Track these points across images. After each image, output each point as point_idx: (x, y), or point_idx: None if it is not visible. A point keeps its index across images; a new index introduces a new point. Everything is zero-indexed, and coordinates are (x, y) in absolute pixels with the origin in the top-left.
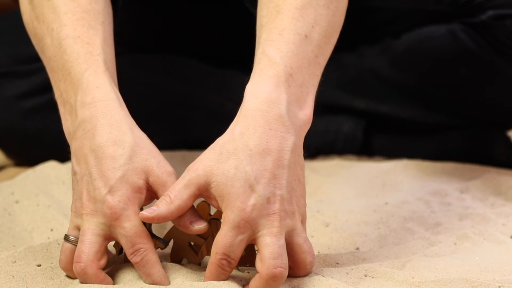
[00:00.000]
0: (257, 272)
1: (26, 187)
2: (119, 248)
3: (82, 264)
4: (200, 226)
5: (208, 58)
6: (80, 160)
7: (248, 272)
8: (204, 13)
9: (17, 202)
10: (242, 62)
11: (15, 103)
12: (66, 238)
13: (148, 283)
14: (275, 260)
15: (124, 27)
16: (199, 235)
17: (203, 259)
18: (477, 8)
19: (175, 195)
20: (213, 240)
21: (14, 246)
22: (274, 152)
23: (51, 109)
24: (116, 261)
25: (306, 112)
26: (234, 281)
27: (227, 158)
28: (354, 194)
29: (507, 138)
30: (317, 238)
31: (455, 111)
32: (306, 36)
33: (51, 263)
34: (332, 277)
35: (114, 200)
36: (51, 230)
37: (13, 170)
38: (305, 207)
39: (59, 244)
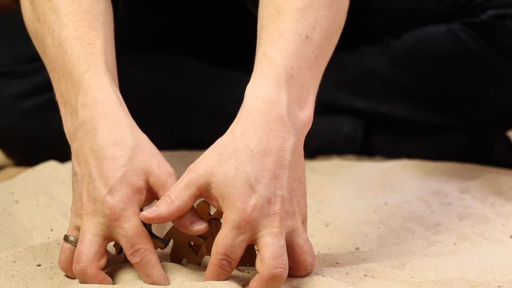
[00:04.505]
0: (257, 272)
1: (26, 187)
2: (119, 248)
3: (81, 264)
4: (200, 226)
5: (208, 58)
6: (81, 161)
7: (248, 272)
8: (204, 14)
9: (17, 202)
10: (242, 62)
11: (15, 103)
12: (66, 238)
13: (148, 284)
14: (275, 260)
15: (125, 28)
16: (199, 235)
17: (203, 259)
18: (477, 8)
19: (175, 196)
20: (213, 240)
21: (14, 246)
22: (274, 152)
23: (51, 109)
24: (116, 261)
25: (306, 113)
26: (234, 281)
27: (228, 159)
28: (354, 194)
29: (507, 138)
30: (317, 238)
31: (455, 111)
32: (307, 37)
33: (51, 263)
34: (332, 277)
35: (114, 201)
36: (51, 230)
37: (13, 170)
38: (306, 207)
39: (59, 244)
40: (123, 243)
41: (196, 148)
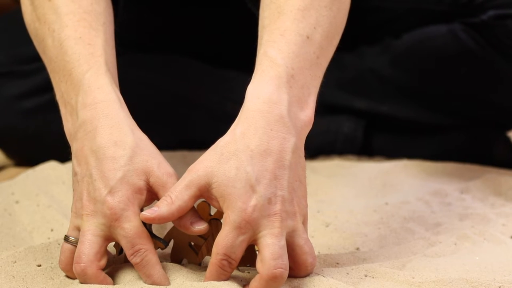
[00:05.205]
0: (258, 273)
1: (26, 187)
2: (119, 249)
3: (82, 264)
4: (200, 227)
5: (208, 58)
6: (81, 161)
7: (249, 272)
8: (204, 14)
9: (17, 202)
10: (243, 63)
11: (15, 103)
12: (66, 238)
13: (148, 284)
14: (275, 260)
15: (124, 28)
16: (199, 235)
17: (203, 259)
18: (477, 8)
19: (176, 196)
20: (213, 240)
21: (14, 246)
22: (275, 153)
23: (51, 109)
24: (116, 262)
25: (307, 113)
26: (235, 281)
27: (228, 159)
28: (354, 194)
29: (507, 138)
30: (318, 238)
31: (455, 111)
32: (308, 37)
33: (51, 263)
34: (332, 277)
35: (114, 201)
36: (51, 230)
37: (13, 170)
38: (307, 208)
39: (59, 244)
40: (124, 244)
41: (196, 149)
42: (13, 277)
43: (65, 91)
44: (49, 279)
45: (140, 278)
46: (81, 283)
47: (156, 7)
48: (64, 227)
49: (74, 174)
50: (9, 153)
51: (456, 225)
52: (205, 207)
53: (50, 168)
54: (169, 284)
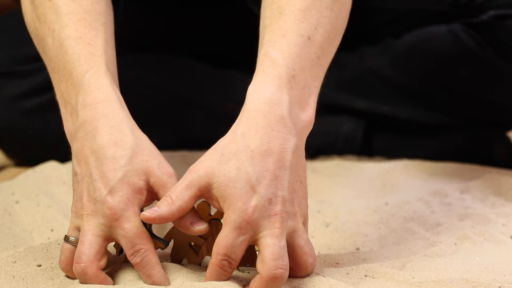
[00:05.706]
0: (258, 273)
1: (26, 187)
2: (119, 249)
3: (82, 264)
4: (200, 227)
5: (208, 58)
6: (81, 161)
7: (249, 273)
8: (204, 14)
9: (17, 202)
10: (243, 63)
11: (15, 103)
12: (66, 239)
13: (148, 284)
14: (275, 261)
15: (125, 27)
16: (199, 236)
17: (204, 259)
18: (478, 8)
19: (176, 196)
20: (213, 241)
21: (14, 246)
22: (275, 153)
23: (51, 109)
24: (116, 262)
25: (308, 114)
26: (235, 281)
27: (229, 159)
28: (355, 194)
29: (507, 138)
30: (318, 238)
31: (455, 111)
32: (309, 38)
33: (51, 263)
34: (332, 277)
35: (114, 201)
36: (52, 230)
37: (13, 170)
38: (307, 208)
39: (59, 244)
40: (124, 244)
41: (196, 149)
42: (13, 277)
43: (65, 91)
44: (49, 279)
45: (140, 278)
46: (81, 283)
47: (156, 7)
48: (64, 227)
49: (74, 174)
50: (9, 153)
51: (456, 225)
52: (205, 207)
53: (50, 168)
54: (169, 284)
